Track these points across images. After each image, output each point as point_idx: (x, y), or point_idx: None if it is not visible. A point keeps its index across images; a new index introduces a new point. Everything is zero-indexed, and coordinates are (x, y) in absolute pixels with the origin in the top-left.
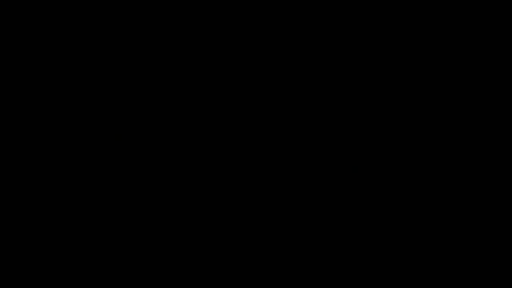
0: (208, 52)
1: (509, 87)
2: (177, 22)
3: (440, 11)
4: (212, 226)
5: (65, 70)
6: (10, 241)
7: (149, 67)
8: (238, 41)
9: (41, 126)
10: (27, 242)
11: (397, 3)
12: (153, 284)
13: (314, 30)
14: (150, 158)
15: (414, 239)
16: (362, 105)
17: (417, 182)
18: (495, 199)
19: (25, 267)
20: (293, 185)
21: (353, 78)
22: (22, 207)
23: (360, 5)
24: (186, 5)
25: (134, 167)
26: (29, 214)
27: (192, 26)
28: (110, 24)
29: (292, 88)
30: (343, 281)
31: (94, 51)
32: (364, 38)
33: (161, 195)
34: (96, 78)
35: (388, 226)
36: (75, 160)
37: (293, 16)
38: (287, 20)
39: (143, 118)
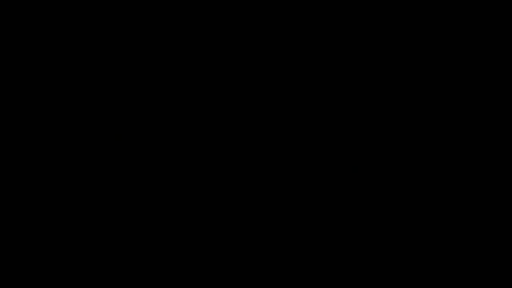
0: (208, 52)
1: (509, 87)
2: (177, 22)
3: (440, 11)
4: (212, 226)
5: (65, 70)
6: (10, 241)
7: (149, 67)
8: (238, 41)
9: (41, 126)
10: (27, 242)
11: (397, 3)
12: (153, 284)
13: (314, 30)
14: (150, 158)
15: (414, 239)
16: (362, 105)
17: (417, 182)
18: (495, 199)
19: (25, 267)
20: (293, 185)
21: (353, 78)
22: (22, 207)
23: (360, 5)
24: (186, 5)
25: (134, 167)
26: (29, 214)
27: (192, 26)
28: (110, 24)
29: (292, 88)
30: (343, 281)
31: (94, 51)
32: (364, 38)
33: (161, 195)
34: (96, 78)
35: (388, 226)
36: (75, 160)
37: (293, 16)
38: (287, 20)
39: (143, 118)
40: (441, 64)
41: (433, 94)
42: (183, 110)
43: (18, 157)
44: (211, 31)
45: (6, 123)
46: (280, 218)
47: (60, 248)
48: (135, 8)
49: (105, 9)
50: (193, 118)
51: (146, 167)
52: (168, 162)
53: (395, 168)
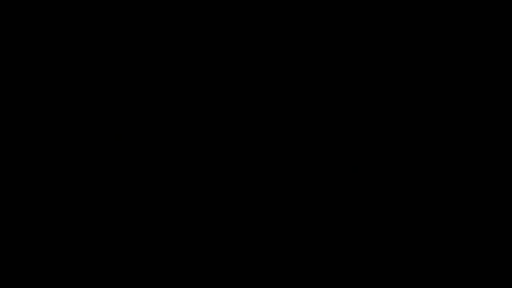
0: (208, 52)
1: (509, 87)
2: (177, 22)
3: (440, 11)
4: (212, 226)
5: (65, 70)
6: (10, 241)
7: (149, 67)
8: (238, 41)
9: (41, 126)
10: (27, 242)
11: (397, 3)
12: (153, 284)
13: (314, 30)
14: (150, 158)
15: (414, 239)
16: (362, 105)
17: (417, 182)
18: (495, 199)
19: (25, 267)
20: (293, 185)
21: (353, 78)
22: (22, 207)
23: (360, 5)
24: (186, 5)
25: (134, 167)
26: (29, 214)
27: (192, 26)
28: (110, 24)
29: (292, 88)
30: (343, 281)
31: (94, 51)
32: (364, 38)
33: (161, 195)
34: (96, 78)
35: (388, 226)
36: (75, 160)
37: (293, 16)
38: (287, 20)
39: (143, 118)
40: (441, 64)
41: (433, 94)
42: (183, 110)
43: (18, 157)
44: (211, 31)
45: (6, 123)
46: (280, 218)
47: (60, 248)
48: (135, 8)
49: (105, 9)
50: (193, 118)
51: (146, 167)
52: (168, 162)
53: (395, 168)
